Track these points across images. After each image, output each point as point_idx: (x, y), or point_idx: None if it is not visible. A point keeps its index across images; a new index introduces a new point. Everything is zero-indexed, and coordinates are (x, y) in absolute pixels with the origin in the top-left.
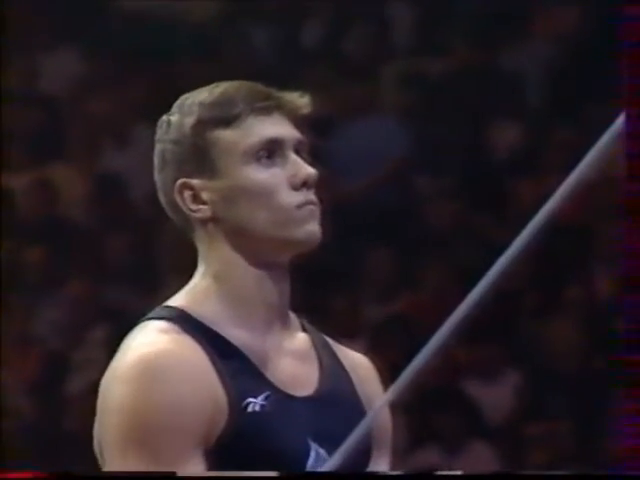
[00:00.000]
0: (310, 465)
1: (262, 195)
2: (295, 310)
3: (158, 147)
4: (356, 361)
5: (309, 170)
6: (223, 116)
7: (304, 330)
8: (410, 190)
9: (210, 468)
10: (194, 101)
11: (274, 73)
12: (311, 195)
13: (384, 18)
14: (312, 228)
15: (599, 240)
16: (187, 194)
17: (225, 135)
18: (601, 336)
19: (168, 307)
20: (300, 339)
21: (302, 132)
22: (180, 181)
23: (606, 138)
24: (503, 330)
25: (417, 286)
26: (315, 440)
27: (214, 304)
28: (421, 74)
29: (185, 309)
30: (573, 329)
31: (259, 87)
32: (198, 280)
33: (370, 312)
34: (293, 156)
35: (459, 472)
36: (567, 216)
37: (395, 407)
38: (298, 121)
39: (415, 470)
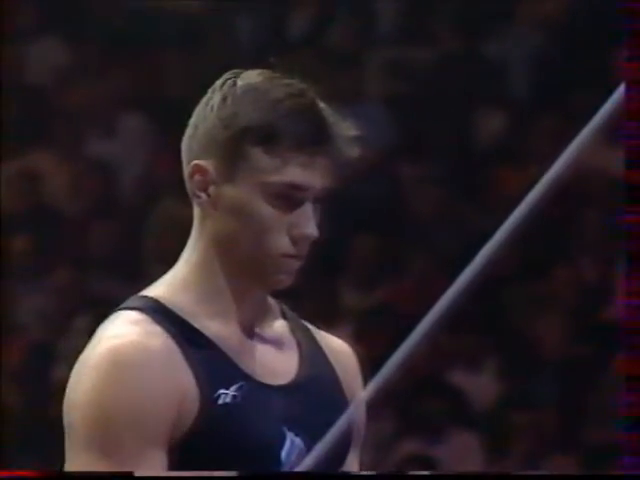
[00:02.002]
0: (284, 454)
1: (259, 229)
2: (277, 297)
3: (205, 108)
4: (337, 347)
5: (312, 231)
6: (271, 140)
7: (284, 317)
8: (394, 178)
9: (180, 461)
10: (262, 97)
11: (259, 62)
12: (302, 250)
13: (369, 7)
14: (283, 279)
15: (584, 227)
16: (197, 178)
17: (260, 158)
18: (586, 323)
19: (143, 297)
20: (279, 327)
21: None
22: (196, 162)
23: (592, 125)
24: (487, 318)
25: (401, 274)
26: (291, 429)
27: (191, 295)
28: (406, 62)
29: (160, 299)
30: (558, 316)
31: (321, 118)
32: (181, 266)
33: (354, 300)
34: (308, 208)
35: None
36: (552, 203)
37: (379, 396)
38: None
39: (404, 470)
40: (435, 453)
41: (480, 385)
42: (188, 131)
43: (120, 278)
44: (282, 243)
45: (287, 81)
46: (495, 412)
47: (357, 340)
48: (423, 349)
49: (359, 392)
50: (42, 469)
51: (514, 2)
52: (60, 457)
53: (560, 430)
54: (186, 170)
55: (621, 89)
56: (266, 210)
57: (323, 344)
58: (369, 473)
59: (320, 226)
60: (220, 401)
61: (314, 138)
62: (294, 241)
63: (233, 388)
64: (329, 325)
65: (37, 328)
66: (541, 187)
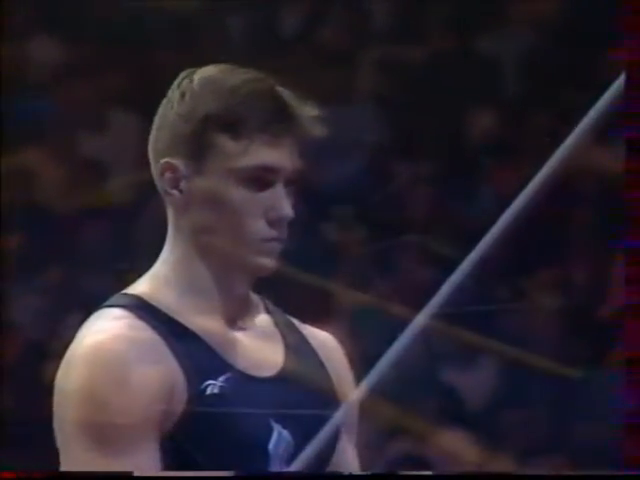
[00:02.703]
0: (272, 446)
1: (233, 215)
2: (273, 295)
3: (166, 107)
4: (324, 340)
5: (288, 212)
6: (234, 125)
7: (267, 312)
8: (386, 177)
9: (169, 451)
10: (219, 87)
11: (251, 60)
12: (281, 232)
13: (362, 5)
14: (267, 263)
15: (576, 226)
16: (168, 175)
17: (226, 144)
18: (580, 322)
19: (126, 295)
20: (263, 321)
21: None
22: (165, 160)
23: (584, 124)
24: (481, 316)
25: (394, 273)
26: (278, 421)
27: (173, 292)
28: (399, 61)
29: (143, 296)
30: (551, 315)
31: (282, 100)
32: (159, 266)
33: (345, 299)
34: (280, 189)
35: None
36: (544, 201)
37: (372, 394)
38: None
39: (396, 470)
40: (428, 452)
41: (474, 383)
42: (152, 132)
43: (113, 276)
44: (259, 227)
45: (244, 70)
46: (488, 411)
47: (348, 339)
48: (416, 348)
49: (350, 384)
50: (36, 469)
51: (507, 0)
52: (54, 456)
53: (554, 429)
54: (155, 170)
55: (612, 89)
56: (238, 195)
57: (309, 337)
58: (361, 473)
59: (311, 223)
60: (208, 391)
61: (277, 117)
62: (271, 223)
63: (220, 379)
64: (320, 323)
65: (30, 327)
66: (534, 185)
